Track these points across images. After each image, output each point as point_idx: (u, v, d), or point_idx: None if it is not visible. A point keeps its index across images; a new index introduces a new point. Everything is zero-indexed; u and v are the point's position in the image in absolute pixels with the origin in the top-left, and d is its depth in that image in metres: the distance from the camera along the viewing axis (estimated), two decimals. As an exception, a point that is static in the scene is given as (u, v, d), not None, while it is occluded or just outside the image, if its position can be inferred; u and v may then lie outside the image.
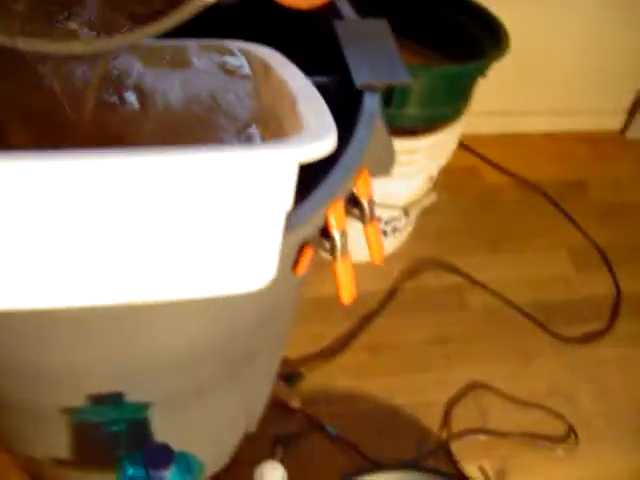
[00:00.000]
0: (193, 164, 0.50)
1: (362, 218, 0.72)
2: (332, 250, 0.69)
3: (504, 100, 1.55)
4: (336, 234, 0.68)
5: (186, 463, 0.77)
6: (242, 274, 0.57)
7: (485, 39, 1.23)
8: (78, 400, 0.77)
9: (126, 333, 0.67)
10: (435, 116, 1.15)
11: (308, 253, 0.70)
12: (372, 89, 0.76)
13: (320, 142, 0.52)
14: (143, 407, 0.82)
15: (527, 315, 1.34)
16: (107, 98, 0.68)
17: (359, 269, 1.32)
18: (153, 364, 0.74)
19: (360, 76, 0.76)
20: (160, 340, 0.70)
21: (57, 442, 0.89)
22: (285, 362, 1.16)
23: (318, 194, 0.66)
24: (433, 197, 1.28)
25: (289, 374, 1.19)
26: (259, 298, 0.73)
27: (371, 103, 0.75)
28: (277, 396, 1.16)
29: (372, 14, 0.84)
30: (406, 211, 1.25)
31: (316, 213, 0.66)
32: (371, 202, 0.73)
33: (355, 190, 0.72)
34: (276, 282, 0.73)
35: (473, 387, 1.24)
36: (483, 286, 1.36)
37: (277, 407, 1.16)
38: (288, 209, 0.56)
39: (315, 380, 1.21)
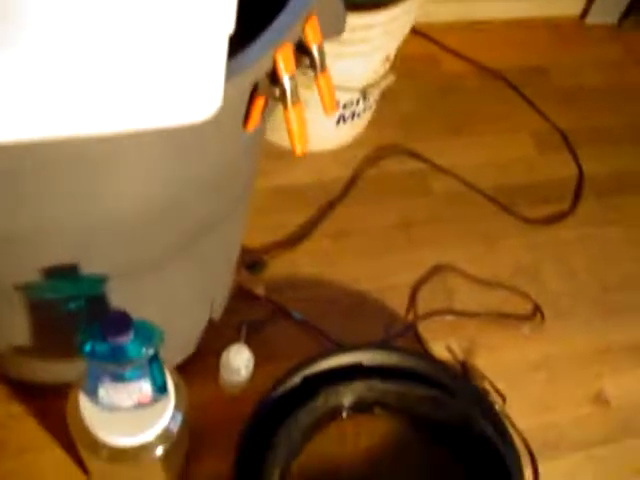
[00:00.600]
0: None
1: (313, 67, 0.70)
2: (282, 96, 0.66)
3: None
4: (286, 78, 0.65)
5: (145, 330, 0.76)
6: (186, 102, 0.55)
7: None
8: (33, 274, 0.75)
9: (74, 186, 0.64)
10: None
11: (259, 103, 0.68)
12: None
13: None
14: (99, 281, 0.80)
15: (490, 198, 1.34)
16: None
17: (320, 158, 1.31)
18: (104, 228, 0.72)
19: None
20: (109, 198, 0.68)
21: (15, 326, 0.87)
22: (248, 251, 1.15)
23: (266, 36, 0.64)
24: (391, 79, 1.25)
25: (252, 262, 1.18)
26: (211, 152, 0.71)
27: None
28: (241, 285, 1.15)
29: None
30: (364, 94, 1.23)
31: (264, 55, 0.64)
32: (321, 51, 0.70)
33: (304, 38, 0.69)
34: (228, 136, 0.72)
35: (438, 269, 1.24)
36: (446, 171, 1.35)
37: (242, 296, 1.15)
38: (229, 31, 0.53)
39: (279, 268, 1.20)
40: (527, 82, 1.52)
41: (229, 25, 0.52)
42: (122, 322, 0.74)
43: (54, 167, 0.61)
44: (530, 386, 1.15)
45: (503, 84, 1.51)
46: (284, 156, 1.25)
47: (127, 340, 0.73)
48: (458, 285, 1.23)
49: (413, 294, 1.21)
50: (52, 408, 1.01)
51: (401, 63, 1.29)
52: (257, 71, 0.64)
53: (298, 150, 0.69)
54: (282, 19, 0.65)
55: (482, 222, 1.31)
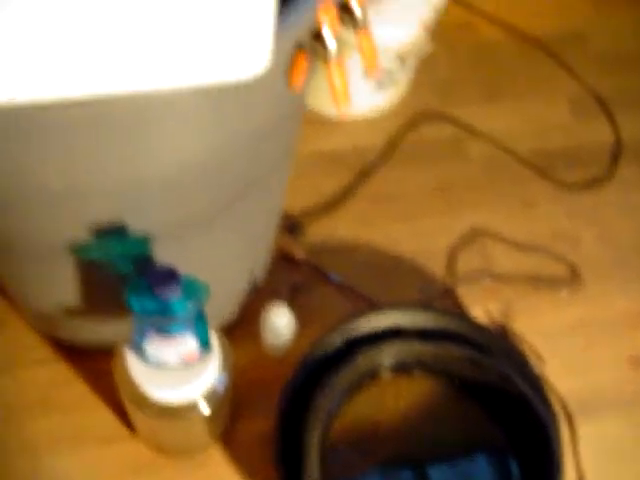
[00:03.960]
0: None
1: (354, 23, 0.71)
2: (326, 54, 0.68)
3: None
4: (329, 35, 0.67)
5: (191, 285, 0.77)
6: (234, 59, 0.56)
7: None
8: (83, 232, 0.77)
9: (124, 143, 0.66)
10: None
11: (303, 61, 0.69)
12: None
13: None
14: (145, 241, 0.82)
15: (527, 163, 1.34)
16: None
17: (358, 124, 1.32)
18: (150, 188, 0.73)
19: None
20: (159, 151, 0.69)
21: (64, 287, 0.90)
22: (287, 215, 1.16)
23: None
24: (430, 46, 1.26)
25: (291, 226, 1.19)
26: (254, 111, 0.72)
27: None
28: (281, 248, 1.16)
29: None
30: (402, 59, 1.23)
31: (308, 12, 0.65)
32: (364, 7, 0.71)
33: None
34: (271, 95, 0.73)
35: (476, 233, 1.24)
36: (483, 136, 1.35)
37: (281, 259, 1.16)
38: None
39: (318, 231, 1.21)
40: (565, 48, 1.51)
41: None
42: (169, 275, 0.75)
43: (104, 126, 0.63)
44: (568, 349, 1.16)
45: (540, 49, 1.50)
46: (322, 122, 1.27)
47: (174, 293, 0.75)
48: (496, 249, 1.24)
49: (451, 257, 1.22)
50: (99, 369, 1.04)
51: (438, 29, 1.30)
52: (301, 29, 0.65)
53: (341, 107, 0.71)
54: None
55: (519, 186, 1.31)
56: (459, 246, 1.23)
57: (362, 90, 1.25)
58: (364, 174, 1.28)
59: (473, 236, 1.24)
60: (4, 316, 1.10)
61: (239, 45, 0.55)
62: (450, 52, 1.45)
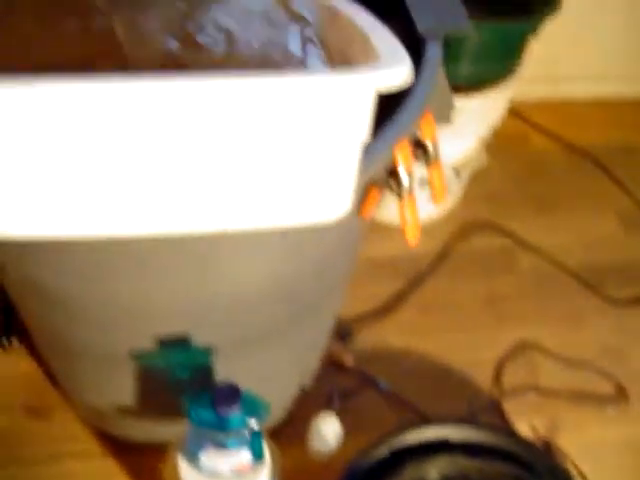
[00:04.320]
0: (273, 88, 0.51)
1: (426, 159, 0.74)
2: (399, 189, 0.70)
3: (551, 65, 1.55)
4: (403, 173, 0.69)
5: (251, 402, 0.79)
6: (318, 204, 0.59)
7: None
8: (147, 342, 0.79)
9: (198, 268, 0.69)
10: (487, 74, 1.16)
11: (375, 194, 0.71)
12: (434, 35, 0.77)
13: (398, 68, 0.53)
14: (207, 352, 0.84)
15: (576, 276, 1.35)
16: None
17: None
18: (220, 304, 0.76)
19: (423, 22, 0.77)
20: (229, 277, 0.72)
21: (123, 389, 0.91)
22: (337, 321, 1.17)
23: (386, 134, 0.68)
24: (484, 159, 1.28)
25: (342, 332, 1.21)
26: (326, 236, 0.74)
27: (434, 48, 0.77)
28: (331, 353, 1.17)
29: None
30: (457, 172, 1.26)
31: (385, 152, 0.67)
32: (435, 144, 0.74)
33: (419, 132, 0.73)
34: (343, 224, 0.75)
35: (523, 346, 1.25)
36: (533, 248, 1.37)
37: (331, 364, 1.17)
38: (364, 139, 0.57)
39: (367, 338, 1.22)
40: (615, 161, 1.53)
41: (364, 135, 0.56)
42: (232, 394, 0.77)
43: (181, 254, 0.66)
44: (614, 468, 1.15)
45: (591, 162, 1.52)
46: (377, 228, 1.29)
47: (235, 411, 0.77)
48: (543, 363, 1.24)
49: (498, 370, 1.22)
50: (147, 464, 1.04)
51: (491, 141, 1.32)
52: (378, 167, 0.68)
53: (412, 240, 0.73)
54: (402, 115, 0.69)
55: (568, 300, 1.32)
56: (506, 358, 1.23)
57: (417, 198, 1.27)
58: (415, 282, 1.30)
59: (520, 349, 1.24)
60: (53, 404, 1.11)
61: (325, 193, 0.58)
62: (502, 163, 1.48)
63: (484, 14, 1.24)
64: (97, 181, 0.53)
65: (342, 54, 0.68)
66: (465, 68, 1.12)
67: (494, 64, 1.15)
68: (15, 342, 1.14)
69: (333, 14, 0.72)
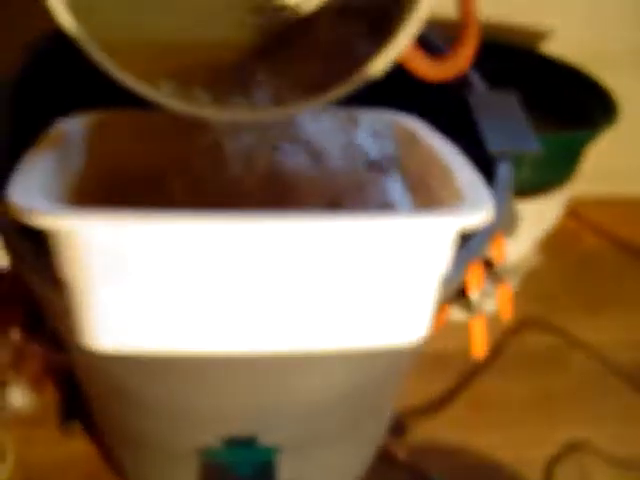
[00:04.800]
0: (365, 228, 0.55)
1: (494, 278, 0.77)
2: (469, 309, 0.73)
3: (603, 163, 1.58)
4: (474, 294, 0.72)
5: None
6: (396, 330, 0.62)
7: (592, 105, 1.27)
8: (215, 442, 0.82)
9: (274, 382, 0.72)
10: (546, 180, 1.19)
11: (445, 312, 0.74)
12: (505, 156, 0.81)
13: (482, 212, 0.56)
14: (271, 451, 0.87)
15: (629, 377, 1.36)
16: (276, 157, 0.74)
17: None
18: (290, 412, 0.79)
19: (493, 144, 0.81)
20: (300, 389, 0.75)
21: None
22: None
23: (461, 257, 0.71)
24: (538, 259, 1.31)
25: (394, 425, 1.22)
26: (395, 351, 0.77)
27: (504, 170, 0.80)
28: (383, 447, 1.19)
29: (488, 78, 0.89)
30: (511, 272, 1.29)
31: (459, 274, 0.71)
32: (504, 263, 0.77)
33: (490, 253, 0.76)
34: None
35: (574, 446, 1.25)
36: (584, 346, 1.38)
37: (382, 459, 1.19)
38: (443, 271, 0.60)
39: (419, 432, 1.24)
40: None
41: (443, 267, 0.60)
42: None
43: (260, 368, 0.69)
44: None
45: (642, 261, 1.55)
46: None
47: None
48: (594, 464, 1.24)
49: (548, 469, 1.23)
50: None
51: (544, 239, 1.35)
52: (451, 289, 0.71)
53: (477, 355, 0.75)
54: (475, 241, 0.72)
55: (620, 401, 1.33)
56: (557, 457, 1.24)
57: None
58: (467, 378, 1.31)
59: (572, 448, 1.25)
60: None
61: (403, 319, 0.61)
62: (555, 260, 1.50)
63: (543, 122, 1.28)
64: (214, 304, 0.57)
65: (421, 180, 0.72)
66: (524, 174, 1.15)
67: (553, 171, 1.19)
68: (77, 426, 1.17)
69: (412, 137, 0.76)
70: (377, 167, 0.77)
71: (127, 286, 0.56)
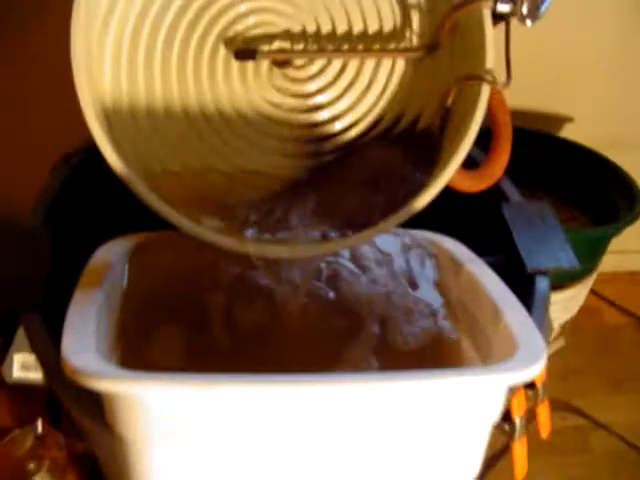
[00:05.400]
0: (417, 389, 0.55)
1: (535, 398, 0.76)
2: (512, 432, 0.73)
3: (621, 238, 1.58)
4: (517, 419, 0.72)
5: None
6: (451, 473, 0.62)
7: (614, 189, 1.28)
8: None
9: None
10: (572, 272, 1.19)
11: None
12: (542, 272, 0.81)
13: (534, 366, 0.56)
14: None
15: (650, 458, 1.35)
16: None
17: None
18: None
19: (531, 260, 0.81)
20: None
21: None
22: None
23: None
24: (562, 343, 1.31)
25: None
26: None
27: (542, 286, 0.80)
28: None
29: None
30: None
31: (504, 401, 0.70)
32: (545, 384, 0.77)
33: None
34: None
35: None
36: (606, 427, 1.37)
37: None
38: (495, 419, 0.60)
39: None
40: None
41: (496, 415, 0.60)
42: None
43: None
44: None
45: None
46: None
47: None
48: None
49: None
50: None
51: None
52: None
53: (519, 476, 0.75)
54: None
55: (642, 483, 1.32)
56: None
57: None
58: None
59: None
60: None
61: (458, 462, 0.62)
62: (575, 338, 1.50)
63: (562, 206, 1.29)
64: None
65: (463, 307, 0.72)
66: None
67: (581, 263, 1.19)
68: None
69: (454, 262, 0.76)
70: (418, 288, 0.77)
71: (183, 445, 0.56)
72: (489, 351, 0.69)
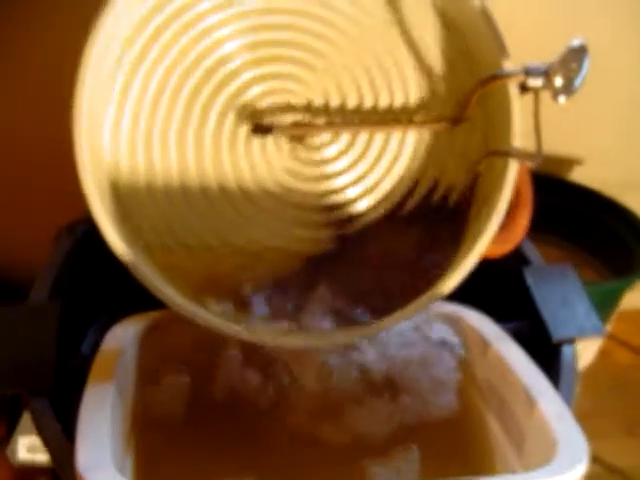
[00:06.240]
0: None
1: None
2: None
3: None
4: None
5: None
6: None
7: (626, 233, 1.25)
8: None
9: None
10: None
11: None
12: (568, 340, 0.79)
13: (579, 466, 0.54)
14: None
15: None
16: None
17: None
18: None
19: (556, 329, 0.79)
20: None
21: None
22: None
23: None
24: (577, 390, 1.28)
25: None
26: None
27: (569, 353, 0.78)
28: None
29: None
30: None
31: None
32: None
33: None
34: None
35: None
36: (621, 472, 1.34)
37: None
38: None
39: None
40: None
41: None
42: None
43: None
44: None
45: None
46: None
47: None
48: None
49: None
50: None
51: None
52: None
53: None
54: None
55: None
56: None
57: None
58: None
59: None
60: None
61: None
62: (587, 380, 1.47)
63: (576, 251, 1.27)
64: None
65: (492, 389, 0.69)
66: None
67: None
68: None
69: (484, 344, 0.73)
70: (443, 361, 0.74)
71: None
72: (522, 439, 0.67)
